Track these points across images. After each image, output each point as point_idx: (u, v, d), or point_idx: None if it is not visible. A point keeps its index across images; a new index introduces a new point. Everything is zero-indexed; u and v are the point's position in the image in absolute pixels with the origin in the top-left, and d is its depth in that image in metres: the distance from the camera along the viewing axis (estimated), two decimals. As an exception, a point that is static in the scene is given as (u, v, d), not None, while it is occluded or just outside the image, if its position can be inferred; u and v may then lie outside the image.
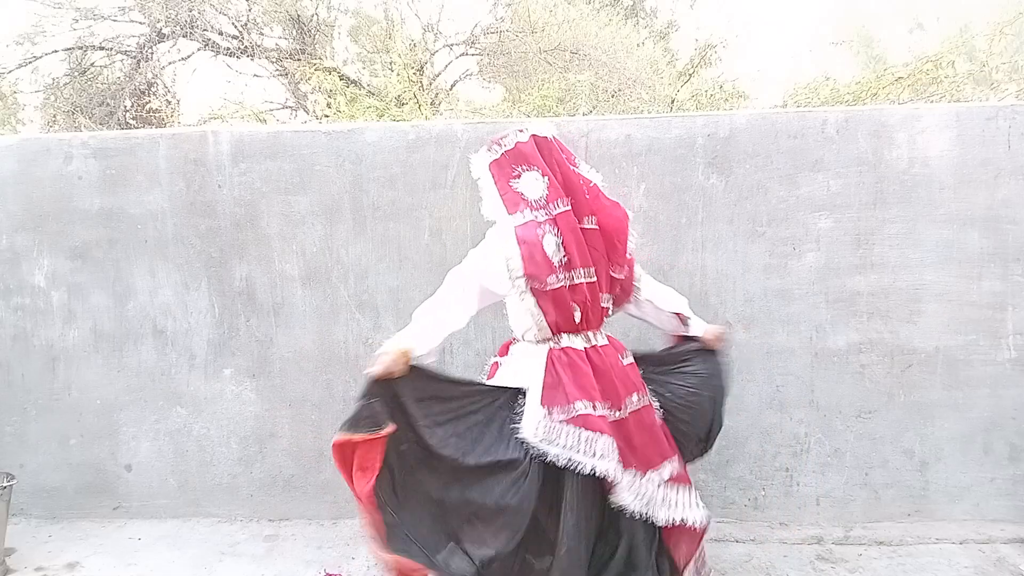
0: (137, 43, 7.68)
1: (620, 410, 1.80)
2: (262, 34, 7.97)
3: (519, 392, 1.81)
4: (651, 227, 2.64)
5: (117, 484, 2.88)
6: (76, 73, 7.67)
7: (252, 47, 7.72)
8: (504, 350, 2.00)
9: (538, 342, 1.85)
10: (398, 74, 6.28)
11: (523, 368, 1.84)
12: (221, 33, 7.80)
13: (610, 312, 1.93)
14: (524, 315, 1.82)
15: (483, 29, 7.94)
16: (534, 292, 1.77)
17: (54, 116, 7.73)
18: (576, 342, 1.83)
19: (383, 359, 1.69)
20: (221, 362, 2.80)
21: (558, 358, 1.80)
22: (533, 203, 1.78)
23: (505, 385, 1.85)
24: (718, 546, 2.54)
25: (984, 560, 2.41)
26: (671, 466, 1.86)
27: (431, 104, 6.85)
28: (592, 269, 1.81)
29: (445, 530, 1.73)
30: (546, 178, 1.80)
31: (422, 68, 7.39)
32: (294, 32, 7.73)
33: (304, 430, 2.80)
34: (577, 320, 1.81)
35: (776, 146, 2.59)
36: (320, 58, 7.22)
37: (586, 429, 1.70)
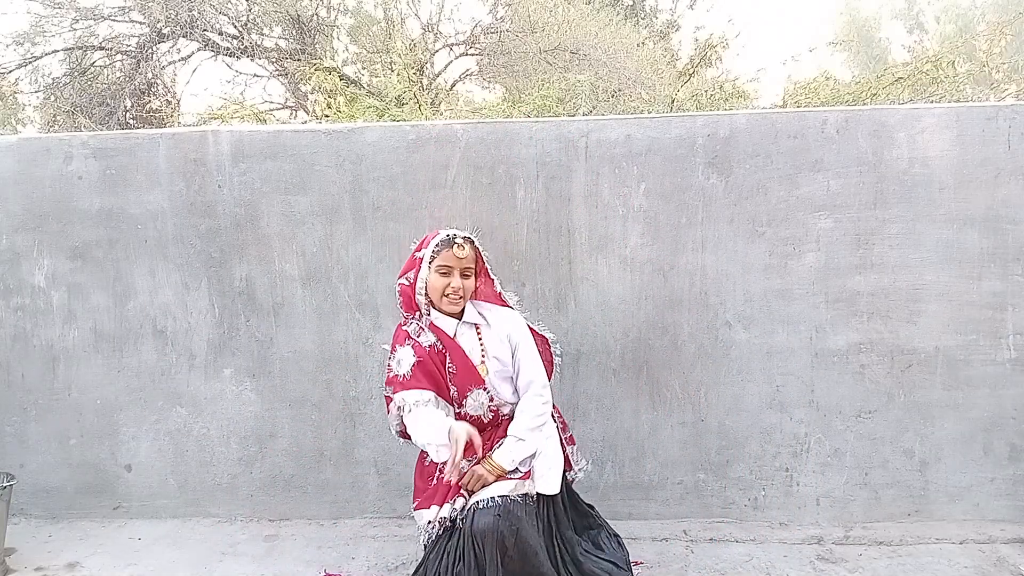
0: (137, 43, 7.69)
1: None
2: (262, 34, 7.98)
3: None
4: (651, 227, 2.64)
5: (117, 484, 2.88)
6: (76, 73, 7.67)
7: (252, 47, 7.72)
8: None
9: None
10: (398, 74, 6.28)
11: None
12: (221, 33, 7.80)
13: None
14: None
15: (483, 29, 7.95)
16: None
17: (54, 116, 7.74)
18: None
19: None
20: (221, 362, 2.80)
21: None
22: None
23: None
24: (718, 546, 2.54)
25: (984, 560, 2.41)
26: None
27: (431, 104, 6.85)
28: None
29: None
30: None
31: (422, 68, 7.40)
32: (294, 32, 7.74)
33: (304, 430, 2.80)
34: None
35: (776, 146, 2.59)
36: (320, 58, 7.22)
37: None
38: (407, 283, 2.01)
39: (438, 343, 1.98)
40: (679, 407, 2.69)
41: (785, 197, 2.60)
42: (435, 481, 1.94)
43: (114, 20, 7.64)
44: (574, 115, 5.86)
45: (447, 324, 2.01)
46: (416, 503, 2.00)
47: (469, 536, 1.78)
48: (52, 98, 7.78)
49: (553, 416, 2.12)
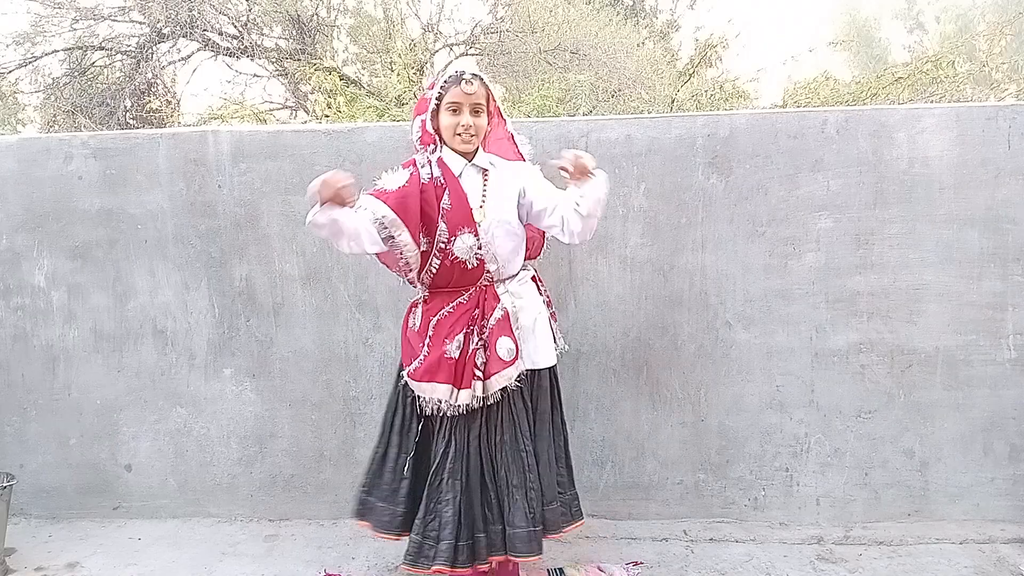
0: (137, 43, 7.70)
1: None
2: (262, 34, 7.98)
3: None
4: (651, 227, 2.64)
5: (117, 484, 2.88)
6: (76, 73, 7.68)
7: (252, 47, 7.72)
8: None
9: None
10: (398, 74, 6.28)
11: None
12: (221, 33, 7.81)
13: None
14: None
15: (483, 29, 7.95)
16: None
17: (54, 116, 7.75)
18: None
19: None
20: (221, 362, 2.80)
21: None
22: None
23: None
24: (718, 546, 2.54)
25: (984, 560, 2.41)
26: None
27: (431, 104, 6.82)
28: None
29: None
30: None
31: (422, 68, 7.39)
32: (294, 32, 7.74)
33: (304, 430, 2.80)
34: None
35: (776, 146, 2.59)
36: (320, 58, 7.22)
37: None
38: (423, 120, 1.97)
39: (440, 178, 1.92)
40: (679, 407, 2.69)
41: (785, 197, 2.60)
42: (426, 348, 1.93)
43: (114, 20, 7.65)
44: (574, 115, 5.86)
45: (455, 163, 1.95)
46: (413, 370, 1.96)
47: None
48: (52, 98, 7.79)
49: (539, 288, 2.11)
